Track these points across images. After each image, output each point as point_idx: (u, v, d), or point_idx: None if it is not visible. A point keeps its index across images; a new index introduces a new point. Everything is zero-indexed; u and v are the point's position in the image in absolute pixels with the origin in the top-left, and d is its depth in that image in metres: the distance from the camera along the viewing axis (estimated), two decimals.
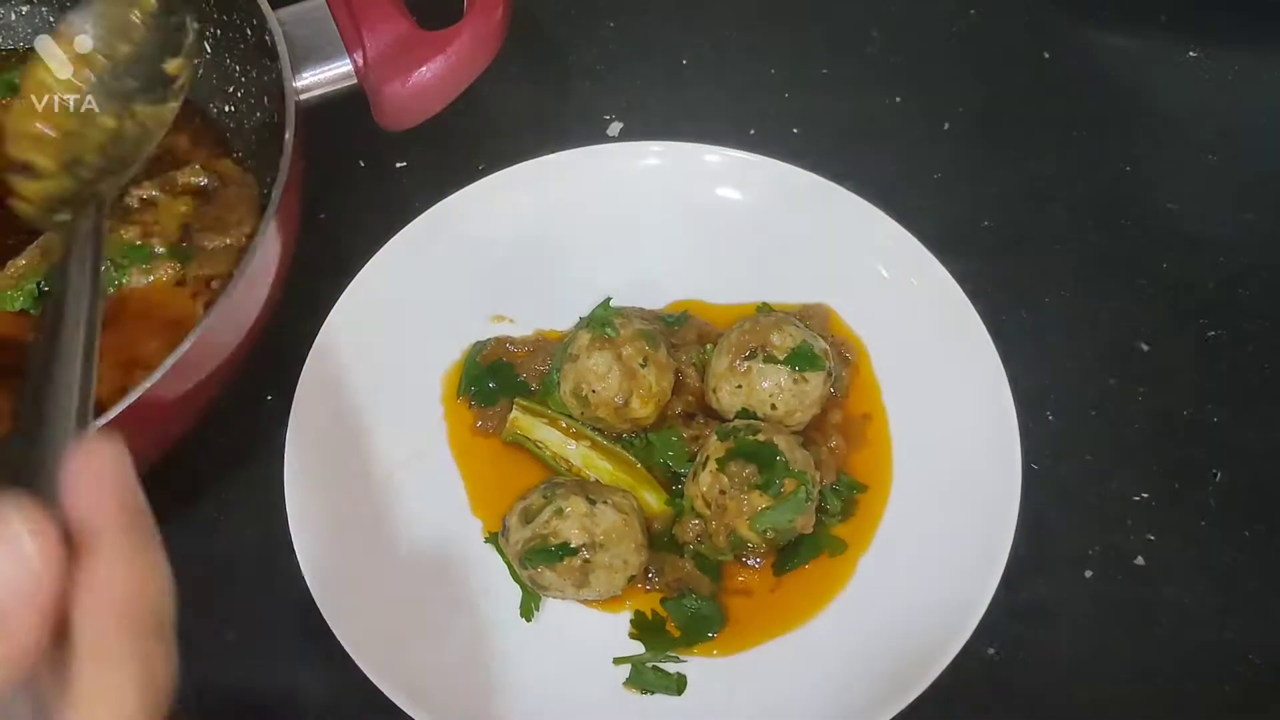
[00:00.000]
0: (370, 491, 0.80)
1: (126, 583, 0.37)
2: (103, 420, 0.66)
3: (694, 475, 0.77)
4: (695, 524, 0.77)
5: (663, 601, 0.77)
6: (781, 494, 0.73)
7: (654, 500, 0.79)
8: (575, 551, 0.72)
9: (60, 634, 0.36)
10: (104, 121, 0.64)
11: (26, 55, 0.93)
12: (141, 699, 0.36)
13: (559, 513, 0.73)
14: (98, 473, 0.38)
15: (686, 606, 0.76)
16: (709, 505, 0.75)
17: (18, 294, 0.82)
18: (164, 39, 0.65)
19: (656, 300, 0.88)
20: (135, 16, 0.62)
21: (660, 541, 0.78)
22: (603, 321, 0.79)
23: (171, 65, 0.66)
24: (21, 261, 0.84)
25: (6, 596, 0.34)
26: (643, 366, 0.78)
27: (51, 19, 0.97)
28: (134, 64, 0.64)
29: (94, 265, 0.51)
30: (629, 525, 0.74)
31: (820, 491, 0.77)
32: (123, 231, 0.85)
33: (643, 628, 0.76)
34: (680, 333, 0.85)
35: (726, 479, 0.74)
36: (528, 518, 0.74)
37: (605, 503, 0.74)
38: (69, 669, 0.36)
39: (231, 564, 0.81)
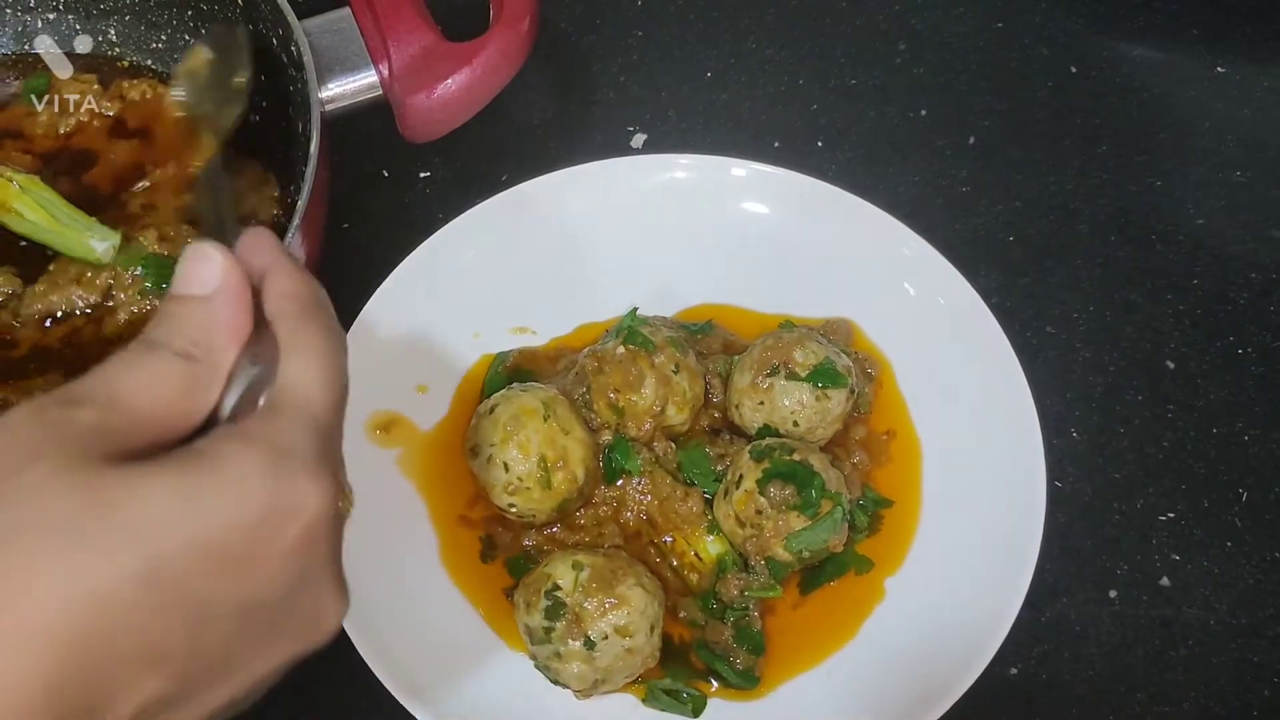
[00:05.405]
0: (391, 510, 0.79)
1: (308, 285, 0.48)
2: None
3: (725, 494, 0.76)
4: (738, 581, 0.75)
5: (698, 649, 0.75)
6: (818, 514, 0.73)
7: (715, 547, 0.77)
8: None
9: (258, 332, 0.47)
10: None
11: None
12: (330, 378, 0.46)
13: (557, 656, 0.70)
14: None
15: (719, 671, 0.74)
16: (743, 525, 0.75)
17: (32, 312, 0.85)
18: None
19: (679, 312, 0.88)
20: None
21: (705, 600, 0.76)
22: (633, 331, 0.79)
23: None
24: (40, 287, 0.85)
25: (214, 287, 0.46)
26: (675, 373, 0.78)
27: (79, 26, 0.97)
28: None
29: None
30: (631, 654, 0.71)
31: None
32: (141, 237, 0.85)
33: (668, 655, 0.74)
34: (706, 341, 0.85)
35: (765, 500, 0.73)
36: (533, 638, 0.72)
37: (605, 636, 0.70)
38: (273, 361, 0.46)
39: None
